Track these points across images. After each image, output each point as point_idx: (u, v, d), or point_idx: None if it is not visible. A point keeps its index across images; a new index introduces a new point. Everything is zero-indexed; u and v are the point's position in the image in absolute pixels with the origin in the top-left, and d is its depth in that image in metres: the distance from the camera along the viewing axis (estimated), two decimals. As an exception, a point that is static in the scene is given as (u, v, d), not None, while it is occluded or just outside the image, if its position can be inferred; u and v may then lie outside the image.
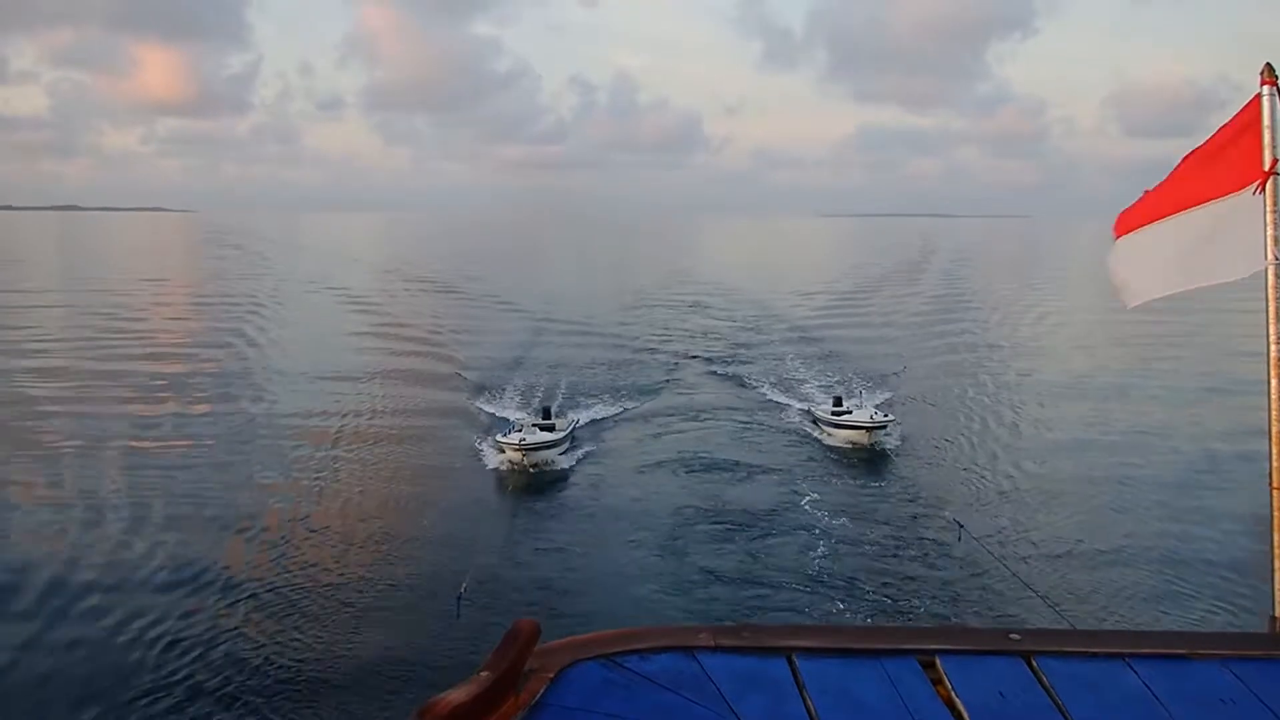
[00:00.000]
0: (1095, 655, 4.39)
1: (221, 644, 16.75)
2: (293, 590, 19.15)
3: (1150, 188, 6.13)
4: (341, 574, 20.06)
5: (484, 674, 3.49)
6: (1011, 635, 4.56)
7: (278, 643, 16.95)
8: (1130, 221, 6.16)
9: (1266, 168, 5.29)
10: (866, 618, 18.19)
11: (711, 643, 4.26)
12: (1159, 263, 6.11)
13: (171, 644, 16.78)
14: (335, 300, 77.09)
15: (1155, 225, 5.99)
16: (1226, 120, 5.66)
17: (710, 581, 20.11)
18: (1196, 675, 4.26)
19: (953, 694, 4.10)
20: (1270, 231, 5.28)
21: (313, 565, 20.45)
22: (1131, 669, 4.27)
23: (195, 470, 27.54)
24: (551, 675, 3.87)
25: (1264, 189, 5.30)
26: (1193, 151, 5.86)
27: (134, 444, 30.56)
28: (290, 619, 17.93)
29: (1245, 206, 5.40)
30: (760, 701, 3.97)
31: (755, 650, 4.28)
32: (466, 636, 16.93)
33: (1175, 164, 6.03)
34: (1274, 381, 5.31)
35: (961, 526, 21.77)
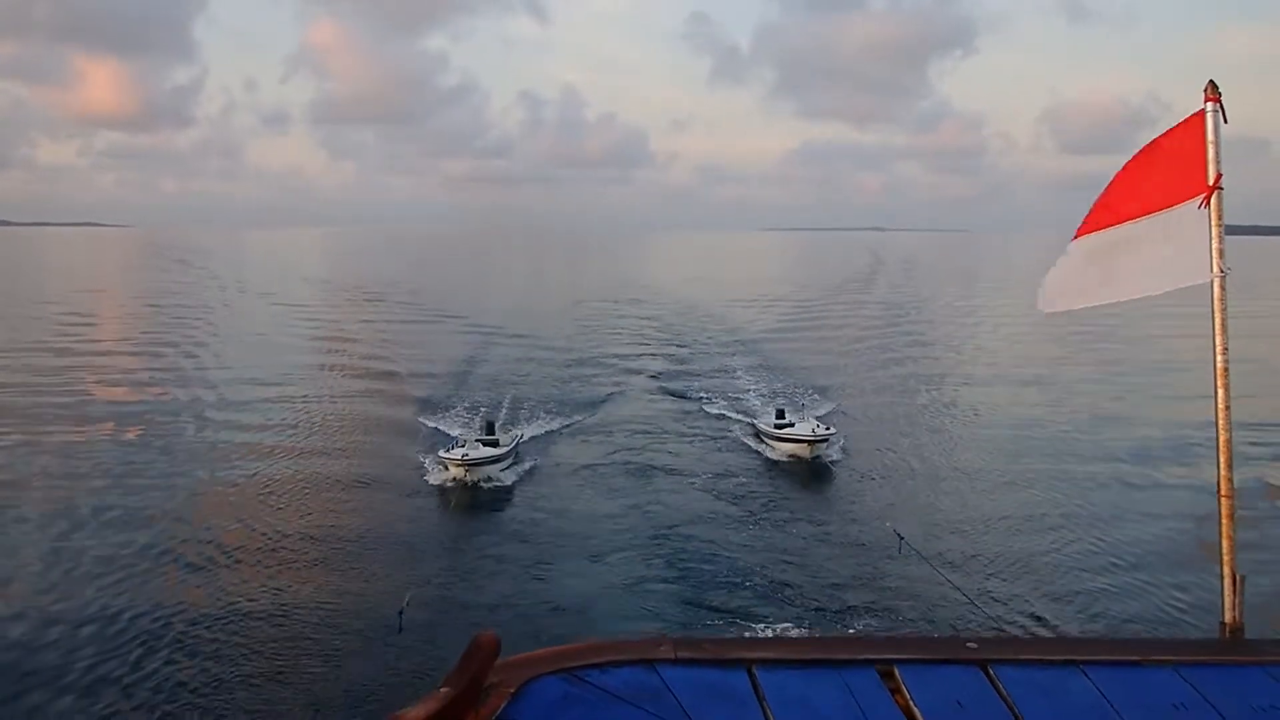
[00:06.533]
0: (1051, 662, 4.44)
1: (148, 680, 15.92)
2: (224, 616, 18.41)
3: (1101, 193, 6.15)
4: (279, 595, 19.52)
5: (444, 690, 3.43)
6: (969, 644, 4.59)
7: (209, 674, 16.22)
8: (1085, 228, 6.17)
9: (1211, 182, 5.42)
10: (814, 627, 18.20)
11: (672, 655, 4.23)
12: (1095, 272, 6.09)
13: (93, 683, 15.94)
14: (277, 315, 75.87)
15: (1105, 232, 6.03)
16: (1167, 130, 5.76)
17: (655, 594, 20.04)
18: (1150, 681, 4.31)
19: (911, 703, 4.11)
20: (1216, 245, 5.40)
21: (248, 587, 19.86)
22: (1086, 676, 4.31)
23: (118, 487, 26.76)
24: (512, 690, 3.81)
25: (1208, 203, 5.42)
26: (1135, 159, 5.93)
27: (57, 458, 29.78)
28: (222, 647, 17.19)
29: (1189, 219, 5.51)
30: (721, 714, 3.95)
31: (716, 662, 4.26)
32: (409, 653, 16.69)
33: (1113, 174, 6.09)
34: (1220, 391, 5.42)
35: (901, 538, 21.94)
